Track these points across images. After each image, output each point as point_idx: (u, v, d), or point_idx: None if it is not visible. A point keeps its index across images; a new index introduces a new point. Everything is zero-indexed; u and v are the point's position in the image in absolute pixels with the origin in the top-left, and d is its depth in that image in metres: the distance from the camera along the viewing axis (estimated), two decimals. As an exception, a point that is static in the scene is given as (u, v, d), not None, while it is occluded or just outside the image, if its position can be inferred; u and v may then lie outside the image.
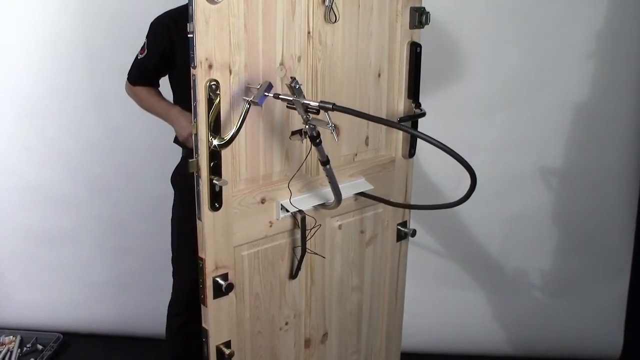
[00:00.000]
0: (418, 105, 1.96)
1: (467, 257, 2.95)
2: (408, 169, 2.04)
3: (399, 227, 2.06)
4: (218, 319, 1.60)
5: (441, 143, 1.29)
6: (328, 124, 1.47)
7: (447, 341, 2.96)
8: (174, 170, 2.24)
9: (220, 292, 1.57)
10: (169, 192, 2.26)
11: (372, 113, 1.87)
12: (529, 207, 2.85)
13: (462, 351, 2.96)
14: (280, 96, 1.46)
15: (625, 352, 2.92)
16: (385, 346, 2.17)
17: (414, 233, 2.09)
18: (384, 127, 1.91)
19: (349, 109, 1.40)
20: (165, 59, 2.07)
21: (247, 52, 1.51)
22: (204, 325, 1.60)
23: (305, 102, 1.43)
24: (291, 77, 1.44)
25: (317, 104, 1.41)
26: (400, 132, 1.97)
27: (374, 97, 1.87)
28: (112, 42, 2.75)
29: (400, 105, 1.94)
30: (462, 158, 1.30)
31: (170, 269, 2.28)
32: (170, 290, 2.30)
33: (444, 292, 2.96)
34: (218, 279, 1.57)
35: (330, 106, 1.38)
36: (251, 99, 1.43)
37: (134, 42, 2.13)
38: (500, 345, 2.96)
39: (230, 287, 1.58)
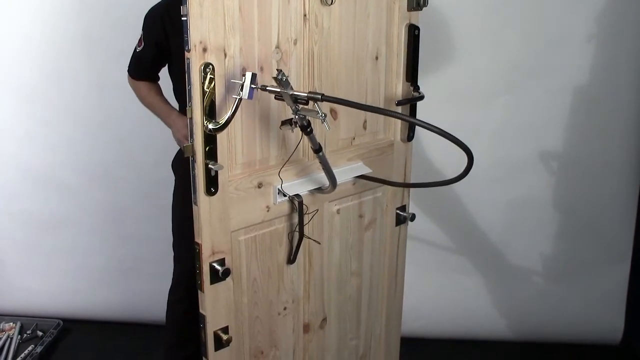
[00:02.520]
0: (416, 88, 1.94)
1: (468, 243, 2.94)
2: (407, 153, 2.02)
3: (398, 211, 2.05)
4: (215, 305, 1.59)
5: (433, 126, 1.27)
6: (318, 113, 1.43)
7: (447, 326, 2.96)
8: (175, 155, 2.24)
9: (217, 277, 1.56)
10: (169, 178, 2.26)
11: (369, 96, 1.86)
12: (530, 193, 2.83)
13: (463, 336, 2.96)
14: (267, 88, 1.43)
15: (625, 338, 2.91)
16: (385, 331, 2.17)
17: (413, 217, 2.08)
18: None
19: (338, 98, 1.37)
20: (160, 50, 2.06)
21: (242, 35, 1.49)
22: (201, 310, 1.60)
23: (294, 93, 1.41)
24: (277, 70, 1.40)
25: (306, 94, 1.38)
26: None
27: (371, 80, 1.85)
28: (111, 27, 2.73)
29: (398, 88, 1.92)
30: (457, 138, 1.27)
31: (171, 254, 2.28)
32: (171, 277, 2.30)
33: (445, 278, 2.95)
34: (215, 265, 1.56)
35: (319, 97, 1.36)
36: (240, 96, 1.40)
37: (134, 27, 2.12)
38: (500, 331, 2.96)
39: (227, 273, 1.57)
